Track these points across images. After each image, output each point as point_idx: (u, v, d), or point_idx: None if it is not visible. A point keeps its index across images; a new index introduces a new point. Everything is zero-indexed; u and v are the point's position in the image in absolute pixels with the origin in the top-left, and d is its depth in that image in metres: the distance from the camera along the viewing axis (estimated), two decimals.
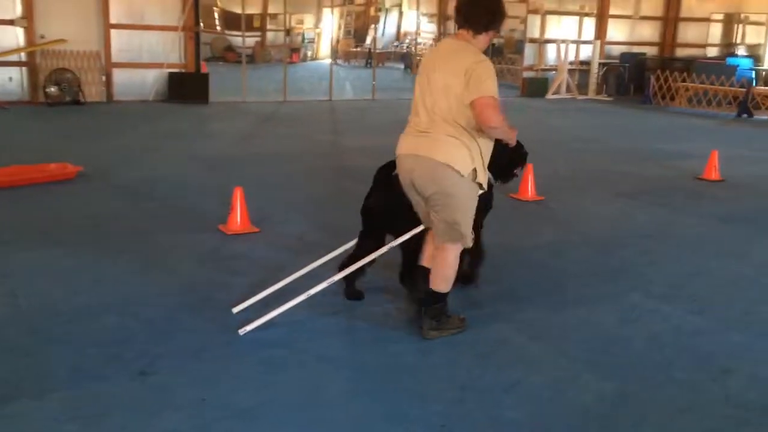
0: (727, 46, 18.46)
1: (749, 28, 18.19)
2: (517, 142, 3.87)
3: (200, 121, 11.60)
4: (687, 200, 7.27)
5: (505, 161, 4.04)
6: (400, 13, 27.54)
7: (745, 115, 14.16)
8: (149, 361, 3.39)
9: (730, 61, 16.54)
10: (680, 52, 18.92)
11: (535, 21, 17.45)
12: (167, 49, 13.11)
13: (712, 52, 18.71)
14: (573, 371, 3.48)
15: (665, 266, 5.14)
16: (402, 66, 24.49)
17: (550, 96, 16.89)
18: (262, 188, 6.87)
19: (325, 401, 3.15)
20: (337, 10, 26.86)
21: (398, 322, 3.98)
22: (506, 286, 4.57)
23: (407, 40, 26.19)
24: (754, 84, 15.28)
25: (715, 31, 18.78)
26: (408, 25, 26.80)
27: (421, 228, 3.95)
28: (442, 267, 3.74)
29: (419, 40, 23.08)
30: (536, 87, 17.07)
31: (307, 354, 3.59)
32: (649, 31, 19.11)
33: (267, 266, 4.72)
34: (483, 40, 3.62)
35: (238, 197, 5.46)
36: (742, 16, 18.20)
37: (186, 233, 5.45)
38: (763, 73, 16.40)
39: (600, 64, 17.48)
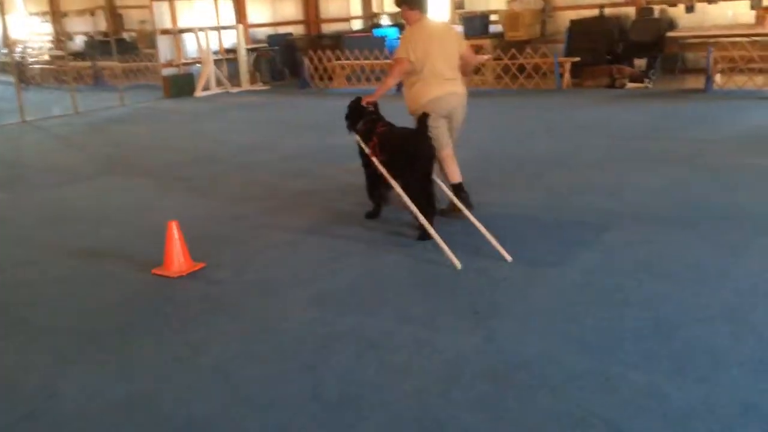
0: (371, 17, 17.97)
1: None
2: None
3: None
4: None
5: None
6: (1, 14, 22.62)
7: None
8: None
9: (377, 32, 15.92)
10: (327, 28, 18.00)
11: (162, 8, 15.00)
12: None
13: (357, 24, 18.12)
14: None
15: None
16: (11, 80, 19.67)
17: (199, 93, 14.62)
18: None
19: None
20: None
21: None
22: None
23: (20, 48, 21.51)
24: None
25: (356, 2, 18.19)
26: (15, 28, 22.12)
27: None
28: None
29: (36, 45, 18.97)
30: (181, 85, 14.65)
31: None
32: (291, 10, 17.86)
33: None
34: None
35: None
36: None
37: None
38: None
39: (248, 50, 15.68)
